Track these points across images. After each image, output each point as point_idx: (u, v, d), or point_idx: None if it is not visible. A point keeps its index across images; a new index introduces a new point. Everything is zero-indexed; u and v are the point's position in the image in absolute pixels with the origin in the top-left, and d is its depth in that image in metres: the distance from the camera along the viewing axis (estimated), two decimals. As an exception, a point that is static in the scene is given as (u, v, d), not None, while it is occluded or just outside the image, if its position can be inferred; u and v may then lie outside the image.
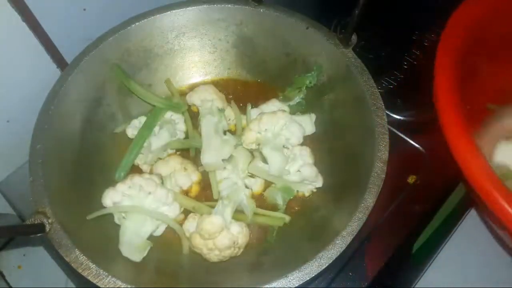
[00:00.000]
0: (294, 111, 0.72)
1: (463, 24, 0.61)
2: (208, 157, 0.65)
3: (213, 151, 0.65)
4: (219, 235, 0.58)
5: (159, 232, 0.63)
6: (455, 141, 0.52)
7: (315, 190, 0.66)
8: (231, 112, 0.73)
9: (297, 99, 0.73)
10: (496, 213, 0.48)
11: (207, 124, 0.68)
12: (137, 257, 0.58)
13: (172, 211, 0.62)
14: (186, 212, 0.64)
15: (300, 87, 0.72)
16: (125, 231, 0.59)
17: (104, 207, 0.59)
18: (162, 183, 0.64)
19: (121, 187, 0.59)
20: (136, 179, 0.60)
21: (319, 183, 0.65)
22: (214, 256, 0.59)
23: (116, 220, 0.61)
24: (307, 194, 0.66)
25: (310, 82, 0.71)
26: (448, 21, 0.61)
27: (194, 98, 0.72)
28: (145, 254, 0.59)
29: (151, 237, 0.61)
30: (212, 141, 0.66)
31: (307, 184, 0.65)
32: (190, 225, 0.62)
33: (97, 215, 0.58)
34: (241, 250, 0.61)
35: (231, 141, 0.67)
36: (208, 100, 0.71)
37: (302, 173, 0.63)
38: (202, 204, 0.63)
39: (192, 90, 0.73)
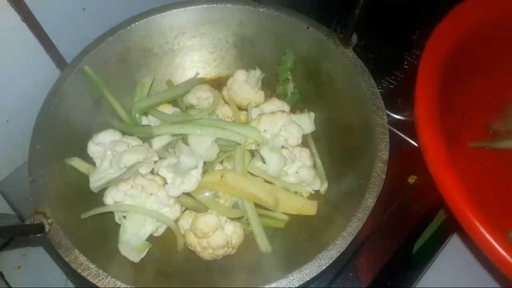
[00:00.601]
0: (291, 103, 0.73)
1: (442, 45, 0.63)
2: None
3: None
4: (213, 234, 0.58)
5: (159, 233, 0.63)
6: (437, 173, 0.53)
7: (313, 193, 0.66)
8: (229, 110, 0.73)
9: (290, 90, 0.73)
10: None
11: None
12: (135, 257, 0.58)
13: (173, 212, 0.62)
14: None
15: (285, 75, 0.72)
16: (125, 231, 0.59)
17: (103, 206, 0.59)
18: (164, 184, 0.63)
19: (123, 186, 0.59)
20: (139, 179, 0.60)
21: (317, 186, 0.65)
22: (207, 254, 0.59)
23: (117, 220, 0.61)
24: (305, 196, 0.66)
25: (291, 65, 0.71)
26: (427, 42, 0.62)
27: (191, 98, 0.72)
28: (143, 255, 0.59)
29: (150, 237, 0.61)
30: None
31: (305, 186, 0.65)
32: (185, 222, 0.62)
33: (96, 213, 0.58)
34: (235, 249, 0.61)
35: None
36: (204, 98, 0.71)
37: (300, 175, 0.63)
38: (203, 204, 0.63)
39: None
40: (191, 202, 0.63)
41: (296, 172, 0.64)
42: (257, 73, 0.73)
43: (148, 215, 0.60)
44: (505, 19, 0.67)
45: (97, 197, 0.61)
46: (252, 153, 0.67)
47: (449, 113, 0.60)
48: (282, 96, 0.75)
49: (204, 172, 0.63)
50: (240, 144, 0.63)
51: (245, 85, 0.72)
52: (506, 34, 0.68)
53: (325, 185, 0.66)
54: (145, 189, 0.60)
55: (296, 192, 0.66)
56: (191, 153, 0.60)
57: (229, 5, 0.72)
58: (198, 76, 0.77)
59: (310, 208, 0.63)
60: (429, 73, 0.59)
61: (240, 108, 0.74)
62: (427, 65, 0.60)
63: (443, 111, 0.58)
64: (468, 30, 0.64)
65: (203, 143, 0.63)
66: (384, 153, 0.56)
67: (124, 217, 0.60)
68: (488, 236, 0.48)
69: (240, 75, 0.72)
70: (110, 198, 0.59)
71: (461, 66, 0.65)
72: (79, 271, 0.51)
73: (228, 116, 0.72)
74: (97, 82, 0.67)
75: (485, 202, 0.51)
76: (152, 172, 0.64)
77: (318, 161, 0.68)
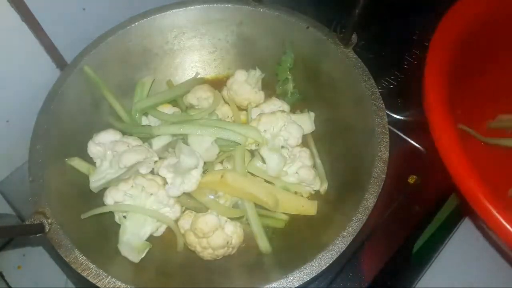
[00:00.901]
0: (291, 103, 0.73)
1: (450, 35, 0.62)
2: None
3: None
4: (213, 234, 0.58)
5: (159, 233, 0.63)
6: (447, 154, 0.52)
7: (313, 193, 0.66)
8: (229, 110, 0.73)
9: (290, 90, 0.73)
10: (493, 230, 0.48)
11: None
12: (135, 257, 0.58)
13: (173, 213, 0.62)
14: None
15: (285, 75, 0.72)
16: (125, 231, 0.59)
17: (103, 206, 0.59)
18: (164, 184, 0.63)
19: (123, 186, 0.59)
20: (139, 179, 0.60)
21: (317, 186, 0.65)
22: (207, 254, 0.59)
23: (117, 220, 0.61)
24: (305, 195, 0.66)
25: (290, 64, 0.71)
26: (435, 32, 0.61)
27: (191, 98, 0.72)
28: (143, 255, 0.59)
29: (150, 237, 0.61)
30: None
31: (305, 186, 0.65)
32: (185, 222, 0.62)
33: (96, 213, 0.58)
34: (235, 249, 0.61)
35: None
36: (204, 98, 0.71)
37: (300, 175, 0.63)
38: (203, 204, 0.63)
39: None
40: (191, 202, 0.63)
41: (296, 172, 0.64)
42: (257, 73, 0.73)
43: (148, 215, 0.60)
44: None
45: (97, 197, 0.61)
46: (252, 153, 0.67)
47: (458, 100, 0.60)
48: (282, 96, 0.75)
49: (204, 172, 0.63)
50: (240, 144, 0.63)
51: (245, 85, 0.72)
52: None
53: (325, 185, 0.66)
54: (145, 189, 0.60)
55: (296, 192, 0.65)
56: (191, 153, 0.60)
57: (229, 5, 0.72)
58: (198, 76, 0.77)
59: (310, 208, 0.63)
60: (439, 57, 0.59)
61: (240, 108, 0.74)
62: (437, 49, 0.59)
63: (452, 97, 0.57)
64: (481, 15, 0.63)
65: (203, 143, 0.63)
66: (384, 153, 0.56)
67: (124, 217, 0.60)
68: (496, 214, 0.47)
69: (240, 75, 0.72)
70: (110, 198, 0.59)
71: (474, 51, 0.64)
72: (79, 271, 0.51)
73: (228, 116, 0.73)
74: (97, 82, 0.67)
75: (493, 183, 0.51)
76: (152, 172, 0.64)
77: (318, 161, 0.68)
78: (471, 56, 0.64)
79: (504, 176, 0.68)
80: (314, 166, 0.67)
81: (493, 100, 0.72)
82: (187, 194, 0.62)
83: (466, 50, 0.62)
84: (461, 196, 0.51)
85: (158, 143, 0.67)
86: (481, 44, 0.65)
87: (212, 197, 0.62)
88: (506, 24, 0.66)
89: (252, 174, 0.65)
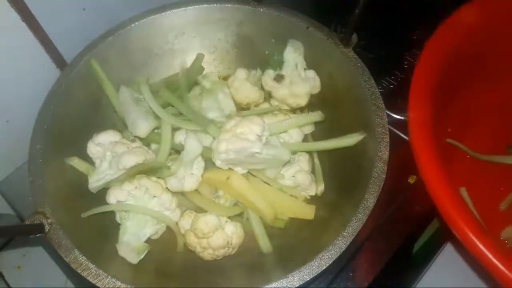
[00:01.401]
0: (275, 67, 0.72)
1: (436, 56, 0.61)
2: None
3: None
4: (214, 234, 0.58)
5: (157, 236, 0.63)
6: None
7: (308, 197, 0.65)
8: (232, 103, 0.73)
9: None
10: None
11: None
12: (134, 258, 0.57)
13: (173, 217, 0.62)
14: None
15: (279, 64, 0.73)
16: (125, 231, 0.59)
17: (105, 205, 0.59)
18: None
19: (127, 186, 0.59)
20: (144, 180, 0.60)
21: (312, 191, 0.65)
22: (207, 254, 0.59)
23: (118, 219, 0.61)
24: (300, 199, 0.65)
25: (280, 68, 0.72)
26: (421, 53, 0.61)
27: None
28: (142, 257, 0.59)
29: (148, 239, 0.62)
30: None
31: (300, 191, 0.65)
32: (185, 222, 0.62)
33: (97, 212, 0.58)
34: (235, 249, 0.61)
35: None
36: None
37: (297, 179, 0.63)
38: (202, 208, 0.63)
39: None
40: (188, 203, 0.63)
41: (293, 176, 0.63)
42: (257, 73, 0.73)
43: (150, 215, 0.60)
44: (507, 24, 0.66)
45: (97, 197, 0.61)
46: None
47: (447, 118, 0.60)
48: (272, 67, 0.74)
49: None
50: None
51: (246, 83, 0.72)
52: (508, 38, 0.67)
53: (321, 187, 0.66)
54: (149, 191, 0.60)
55: (291, 195, 0.65)
56: (196, 139, 0.60)
57: (229, 5, 0.72)
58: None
59: (308, 213, 0.63)
60: (424, 81, 0.59)
61: (240, 107, 0.74)
62: (422, 74, 0.59)
63: (441, 117, 0.58)
64: (467, 35, 0.64)
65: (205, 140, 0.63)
66: (384, 153, 0.56)
67: (125, 217, 0.60)
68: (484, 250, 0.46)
69: (241, 73, 0.73)
70: (114, 197, 0.59)
71: (460, 72, 0.65)
72: (79, 271, 0.51)
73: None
74: (102, 79, 0.67)
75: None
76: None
77: (317, 162, 0.68)
78: (457, 75, 0.64)
79: (494, 192, 0.69)
80: (313, 166, 0.67)
81: (485, 115, 0.73)
82: (186, 194, 0.62)
83: (453, 69, 0.62)
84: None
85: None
86: (467, 62, 0.66)
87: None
88: (493, 40, 0.67)
89: (252, 175, 0.65)
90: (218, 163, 0.60)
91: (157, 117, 0.65)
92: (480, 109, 0.72)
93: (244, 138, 0.57)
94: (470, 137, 0.73)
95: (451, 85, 0.63)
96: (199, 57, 0.75)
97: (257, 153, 0.57)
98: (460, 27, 0.63)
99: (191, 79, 0.73)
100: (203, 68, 0.76)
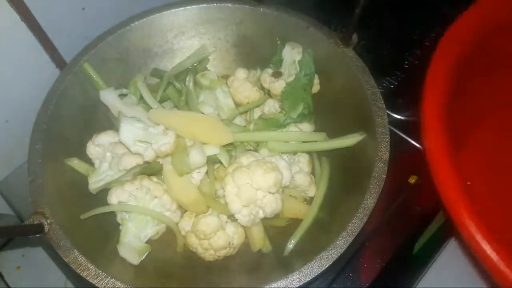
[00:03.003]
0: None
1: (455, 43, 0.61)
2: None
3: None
4: (215, 235, 0.58)
5: (157, 237, 0.63)
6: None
7: (307, 198, 0.65)
8: (231, 101, 0.72)
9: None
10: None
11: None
12: (135, 259, 0.57)
13: (174, 218, 0.62)
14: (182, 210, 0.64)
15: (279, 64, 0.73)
16: (127, 232, 0.59)
17: (105, 206, 0.59)
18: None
19: (129, 187, 0.59)
20: (146, 181, 0.59)
21: (311, 192, 0.64)
22: (209, 255, 0.59)
23: (118, 220, 0.61)
24: (299, 200, 0.65)
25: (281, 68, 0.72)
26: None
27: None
28: (142, 258, 0.58)
29: (149, 240, 0.61)
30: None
31: (300, 192, 0.65)
32: (185, 223, 0.62)
33: (97, 213, 0.58)
34: (236, 250, 0.61)
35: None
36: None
37: (296, 180, 0.63)
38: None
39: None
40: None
41: (292, 177, 0.63)
42: (257, 73, 0.73)
43: (152, 215, 0.60)
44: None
45: (97, 198, 0.61)
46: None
47: (461, 110, 0.59)
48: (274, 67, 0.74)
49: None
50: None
51: (246, 83, 0.72)
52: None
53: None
54: (150, 192, 0.59)
55: (291, 195, 0.65)
56: (199, 155, 0.59)
57: (229, 5, 0.72)
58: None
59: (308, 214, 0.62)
60: (440, 72, 0.58)
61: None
62: (438, 65, 0.59)
63: (455, 108, 0.57)
64: (486, 27, 0.63)
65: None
66: (384, 153, 0.56)
67: (126, 218, 0.60)
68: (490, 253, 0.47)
69: (241, 73, 0.72)
70: (115, 198, 0.59)
71: (476, 64, 0.64)
72: (79, 272, 0.50)
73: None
74: (96, 81, 0.67)
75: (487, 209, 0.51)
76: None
77: (316, 163, 0.68)
78: (474, 67, 0.64)
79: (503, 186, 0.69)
80: (312, 167, 0.67)
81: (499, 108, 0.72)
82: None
83: (469, 62, 0.62)
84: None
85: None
86: (484, 54, 0.65)
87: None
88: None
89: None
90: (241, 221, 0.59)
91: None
92: (494, 103, 0.71)
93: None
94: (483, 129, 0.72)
95: (466, 77, 0.62)
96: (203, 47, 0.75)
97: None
98: (479, 19, 0.63)
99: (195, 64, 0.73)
100: (208, 54, 0.75)
